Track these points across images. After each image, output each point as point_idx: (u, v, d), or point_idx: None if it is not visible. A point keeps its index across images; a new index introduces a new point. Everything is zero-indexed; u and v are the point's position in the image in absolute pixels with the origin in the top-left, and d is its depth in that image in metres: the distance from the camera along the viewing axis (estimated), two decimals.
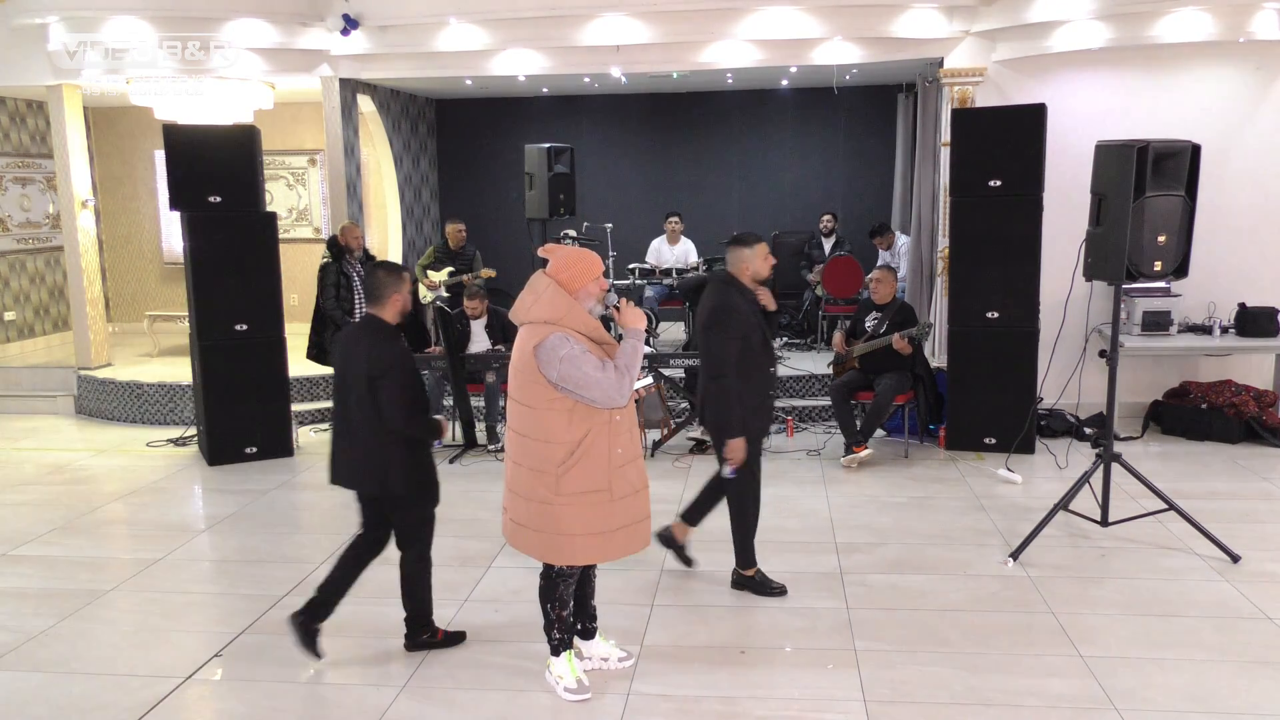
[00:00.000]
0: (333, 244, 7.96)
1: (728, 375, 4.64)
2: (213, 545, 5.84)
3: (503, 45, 8.62)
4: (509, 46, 8.64)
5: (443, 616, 4.70)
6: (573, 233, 10.20)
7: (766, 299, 4.83)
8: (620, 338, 3.84)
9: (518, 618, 4.71)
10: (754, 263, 4.72)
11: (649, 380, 4.16)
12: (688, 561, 5.22)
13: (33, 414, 9.34)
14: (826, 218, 10.74)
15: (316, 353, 7.98)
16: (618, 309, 3.88)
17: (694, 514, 5.13)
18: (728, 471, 4.71)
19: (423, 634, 4.42)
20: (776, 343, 10.06)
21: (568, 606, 4.02)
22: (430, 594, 4.41)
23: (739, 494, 4.85)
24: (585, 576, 4.18)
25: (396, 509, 4.32)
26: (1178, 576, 4.98)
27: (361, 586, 5.09)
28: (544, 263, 3.85)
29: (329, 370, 8.20)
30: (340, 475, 4.37)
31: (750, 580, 4.93)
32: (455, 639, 4.47)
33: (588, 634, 4.27)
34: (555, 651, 4.04)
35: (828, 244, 10.67)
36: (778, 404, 8.47)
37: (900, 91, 10.70)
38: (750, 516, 4.92)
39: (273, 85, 9.37)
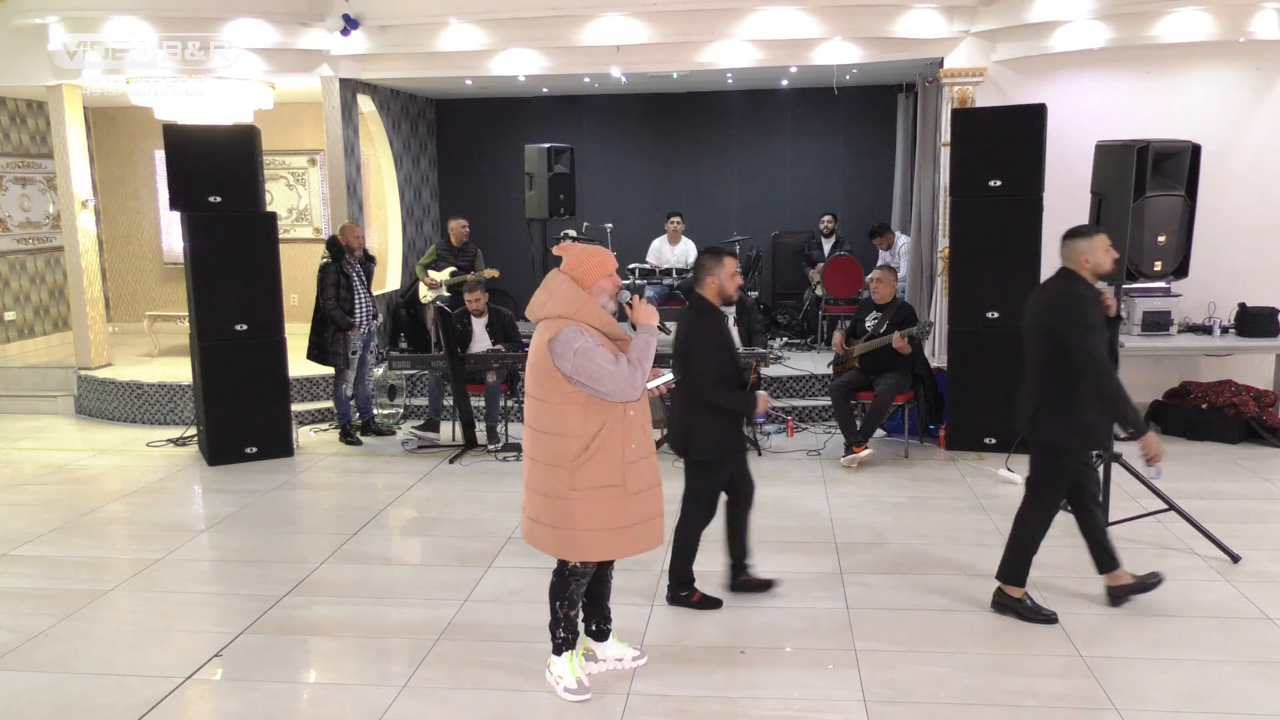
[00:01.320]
0: (333, 244, 7.96)
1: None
2: (213, 545, 5.84)
3: (503, 45, 8.63)
4: (509, 46, 8.65)
5: (442, 617, 4.71)
6: (573, 233, 10.21)
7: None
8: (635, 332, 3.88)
9: (517, 618, 4.71)
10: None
11: (667, 378, 4.18)
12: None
13: (33, 414, 9.34)
14: (826, 218, 10.74)
15: (317, 353, 7.98)
16: (630, 305, 3.93)
17: None
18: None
19: (681, 590, 4.73)
20: (776, 342, 10.10)
21: (576, 606, 4.02)
22: (693, 553, 4.72)
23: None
24: (601, 576, 4.16)
25: (696, 469, 4.70)
26: (1178, 577, 4.98)
27: (360, 586, 5.12)
28: (558, 262, 3.90)
29: (329, 370, 8.21)
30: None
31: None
32: (711, 603, 4.71)
33: (602, 635, 4.25)
34: (557, 651, 4.04)
35: (827, 244, 10.68)
36: (778, 404, 8.49)
37: (900, 91, 10.70)
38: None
39: (273, 85, 9.37)
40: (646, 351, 3.77)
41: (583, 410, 3.73)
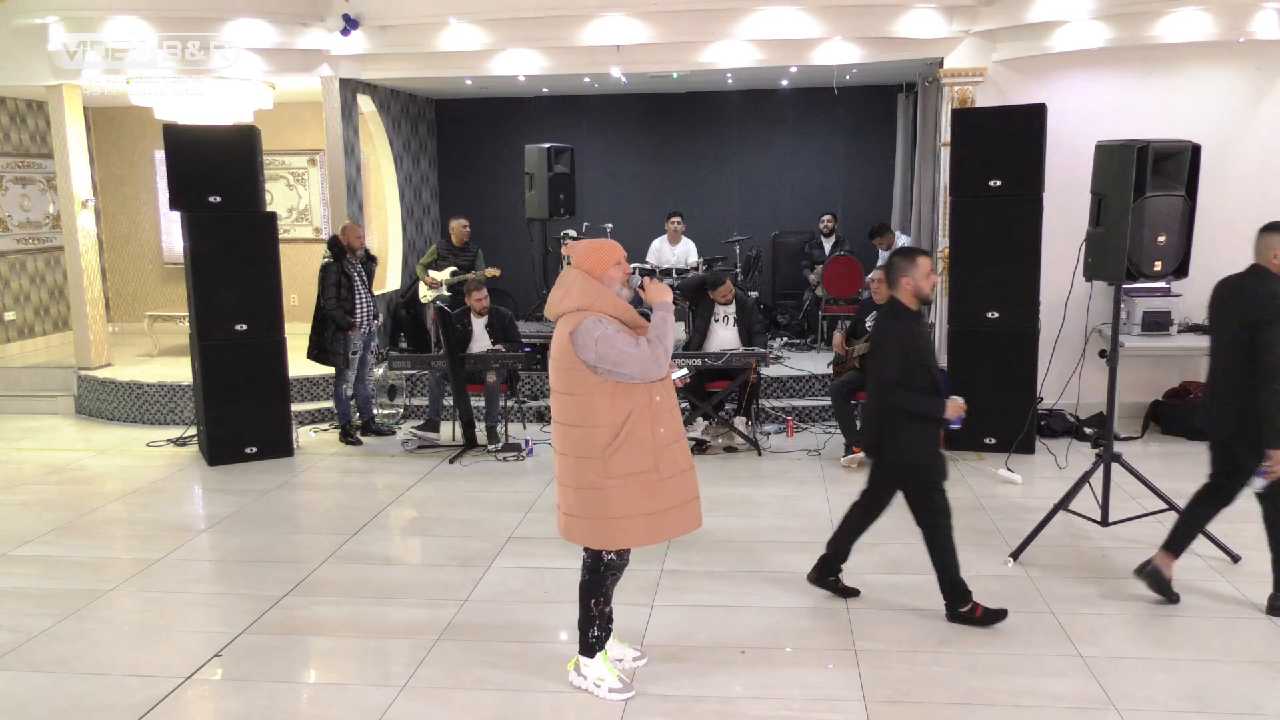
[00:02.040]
0: (334, 244, 7.96)
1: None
2: (213, 545, 5.84)
3: (503, 45, 8.62)
4: (509, 46, 8.64)
5: (442, 617, 4.71)
6: (573, 233, 10.21)
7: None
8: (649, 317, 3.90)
9: (517, 618, 4.71)
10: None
11: (684, 371, 4.18)
12: (1173, 597, 4.78)
13: (33, 414, 9.34)
14: (826, 218, 10.74)
15: (317, 353, 7.98)
16: (642, 288, 3.97)
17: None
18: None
19: (960, 606, 4.53)
20: (776, 343, 10.10)
21: (610, 602, 4.01)
22: (955, 561, 4.53)
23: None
24: None
25: (911, 479, 4.55)
26: (1178, 576, 4.97)
27: (361, 586, 5.12)
28: (568, 261, 3.96)
29: (329, 370, 8.21)
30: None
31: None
32: (995, 616, 4.52)
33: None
34: (590, 652, 4.00)
35: (827, 244, 10.68)
36: (777, 404, 8.49)
37: (900, 91, 10.70)
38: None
39: (273, 85, 9.37)
40: (665, 328, 3.81)
41: (610, 399, 3.75)
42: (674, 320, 3.89)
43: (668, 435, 3.86)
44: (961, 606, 4.53)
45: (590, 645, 4.00)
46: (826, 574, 4.89)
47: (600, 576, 3.95)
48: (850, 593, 4.87)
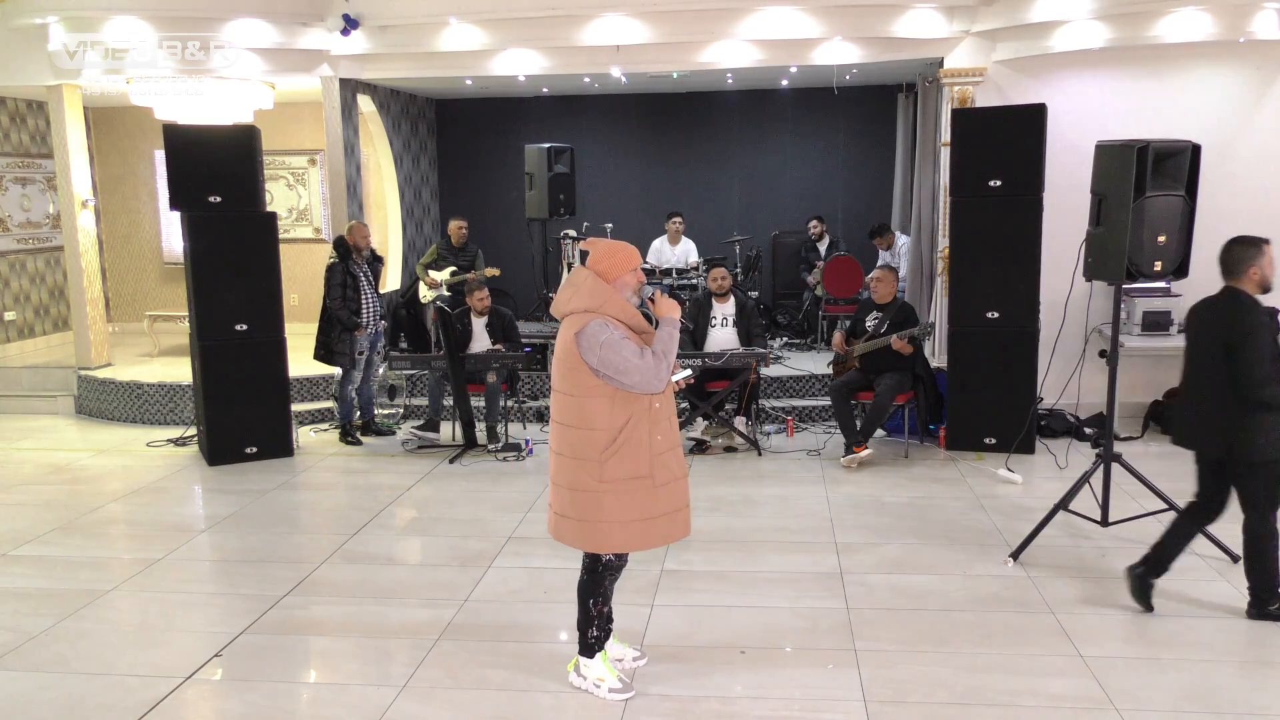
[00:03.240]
0: (340, 244, 7.95)
1: None
2: (213, 545, 5.84)
3: (503, 45, 8.62)
4: (509, 47, 8.64)
5: (442, 617, 4.71)
6: (573, 232, 10.21)
7: None
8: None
9: (518, 618, 4.72)
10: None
11: (688, 372, 4.16)
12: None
13: (33, 414, 9.34)
14: (814, 224, 10.73)
15: (324, 353, 7.97)
16: (652, 300, 3.96)
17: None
18: None
19: (1271, 604, 4.48)
20: (776, 343, 10.10)
21: (609, 602, 4.00)
22: (1276, 562, 4.44)
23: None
24: None
25: (1244, 473, 4.44)
26: (1178, 576, 4.97)
27: (361, 586, 5.12)
28: (584, 257, 3.92)
29: (331, 370, 8.22)
30: (1184, 437, 4.66)
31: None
32: None
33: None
34: (590, 652, 4.00)
35: (822, 246, 10.70)
36: (777, 404, 8.49)
37: (900, 91, 10.70)
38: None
39: (273, 85, 9.37)
40: (670, 344, 3.79)
41: (610, 403, 3.75)
42: (679, 336, 3.89)
43: (664, 442, 3.85)
44: (1272, 604, 4.50)
45: (590, 645, 4.00)
46: (1146, 580, 4.65)
47: (599, 577, 3.95)
48: (1148, 605, 4.66)
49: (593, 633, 3.99)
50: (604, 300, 3.77)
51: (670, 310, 3.90)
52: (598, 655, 4.00)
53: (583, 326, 3.73)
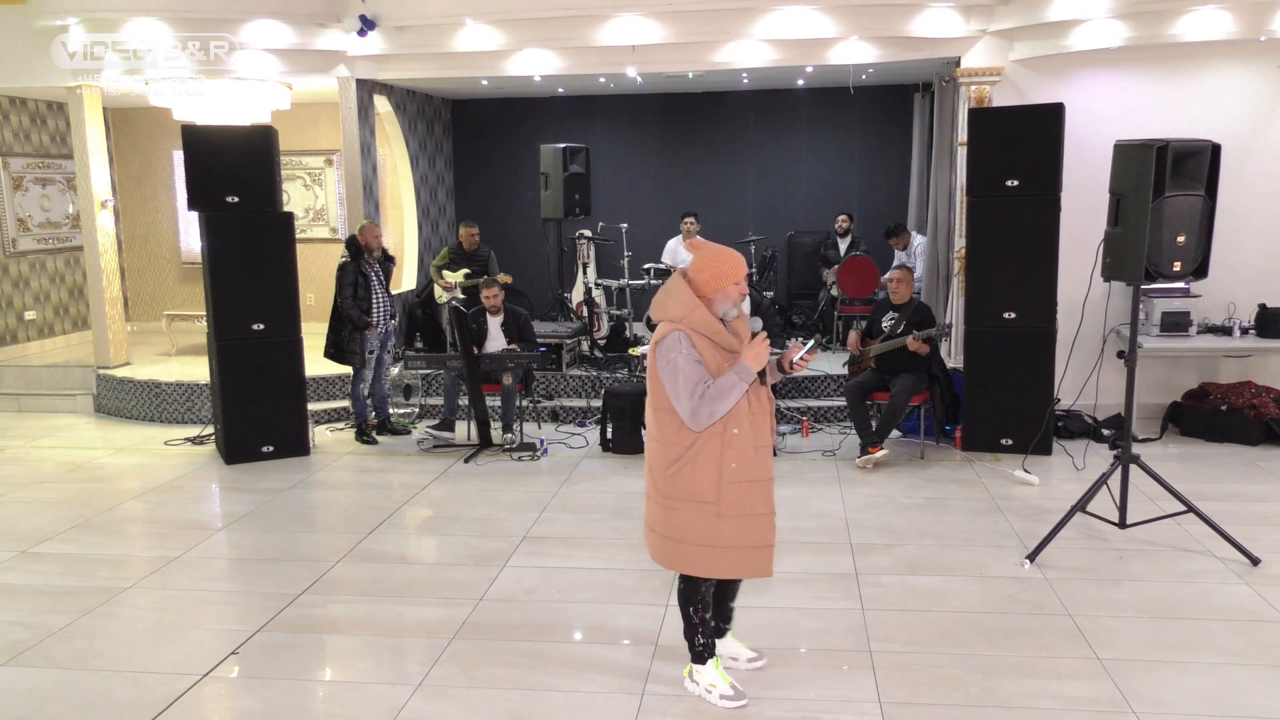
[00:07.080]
0: (352, 243, 7.99)
1: None
2: (230, 543, 5.88)
3: (518, 46, 8.64)
4: (525, 47, 8.66)
5: (457, 616, 4.72)
6: (588, 232, 10.22)
7: None
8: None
9: (532, 617, 4.72)
10: None
11: (811, 344, 3.89)
12: None
13: (52, 412, 9.42)
14: (842, 218, 10.71)
15: (334, 352, 8.01)
16: (749, 333, 3.74)
17: None
18: None
19: None
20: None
21: (709, 609, 3.92)
22: None
23: None
24: None
25: None
26: (1196, 579, 4.94)
27: (376, 585, 5.13)
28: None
29: (346, 369, 8.25)
30: None
31: None
32: None
33: (719, 632, 4.16)
34: (700, 659, 3.93)
35: (843, 244, 10.65)
36: (792, 404, 8.47)
37: (917, 91, 10.66)
38: None
39: (290, 86, 9.42)
40: (730, 394, 3.54)
41: (679, 419, 3.62)
42: (744, 389, 3.59)
43: (739, 472, 3.63)
44: None
45: (699, 653, 3.93)
46: None
47: (694, 583, 3.85)
48: None
49: (698, 640, 3.91)
50: (690, 312, 3.59)
51: (755, 361, 3.59)
52: (709, 661, 3.93)
53: (664, 336, 3.61)
